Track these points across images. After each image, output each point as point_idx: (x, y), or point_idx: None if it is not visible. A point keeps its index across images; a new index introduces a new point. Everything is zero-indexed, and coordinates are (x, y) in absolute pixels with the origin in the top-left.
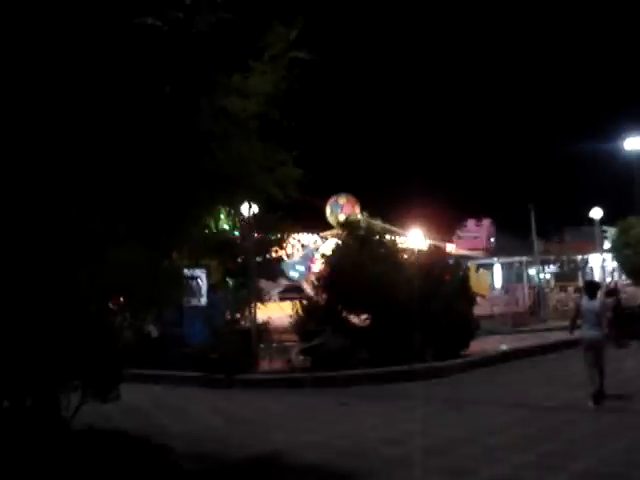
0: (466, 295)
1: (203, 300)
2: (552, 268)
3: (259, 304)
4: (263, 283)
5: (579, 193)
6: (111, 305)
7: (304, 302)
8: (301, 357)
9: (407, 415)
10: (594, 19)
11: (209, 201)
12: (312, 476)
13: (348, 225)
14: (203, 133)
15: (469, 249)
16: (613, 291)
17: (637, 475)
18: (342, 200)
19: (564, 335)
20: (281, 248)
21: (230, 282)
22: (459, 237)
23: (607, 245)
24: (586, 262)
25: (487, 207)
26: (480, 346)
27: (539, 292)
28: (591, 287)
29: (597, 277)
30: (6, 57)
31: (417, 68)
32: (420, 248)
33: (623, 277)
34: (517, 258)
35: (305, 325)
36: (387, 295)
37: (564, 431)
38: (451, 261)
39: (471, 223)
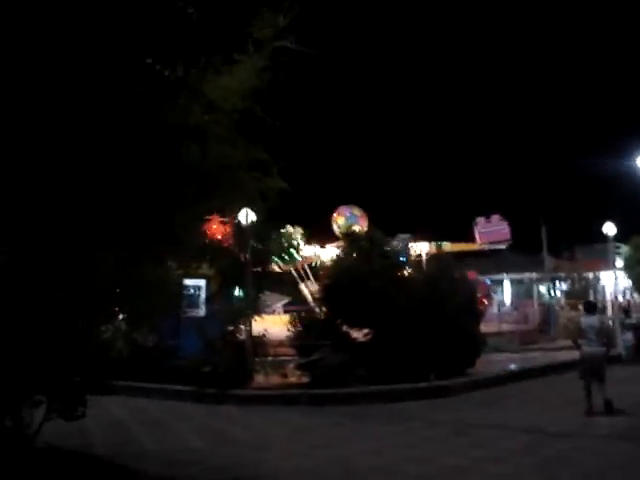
0: (473, 310)
1: (202, 311)
2: (563, 285)
3: (259, 316)
4: (268, 295)
5: (591, 210)
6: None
7: (302, 315)
8: (298, 372)
9: (406, 439)
10: (612, 39)
11: (192, 202)
12: None
13: (351, 237)
14: (176, 127)
15: (493, 242)
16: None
17: None
18: (357, 212)
19: (574, 354)
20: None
21: (227, 293)
22: (481, 231)
23: (619, 262)
24: (598, 280)
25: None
26: (487, 364)
27: (549, 310)
28: (589, 305)
29: (609, 295)
30: None
31: (436, 92)
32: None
33: (635, 295)
34: (527, 274)
35: (303, 339)
36: (389, 309)
37: (574, 460)
38: (457, 274)
39: (495, 218)
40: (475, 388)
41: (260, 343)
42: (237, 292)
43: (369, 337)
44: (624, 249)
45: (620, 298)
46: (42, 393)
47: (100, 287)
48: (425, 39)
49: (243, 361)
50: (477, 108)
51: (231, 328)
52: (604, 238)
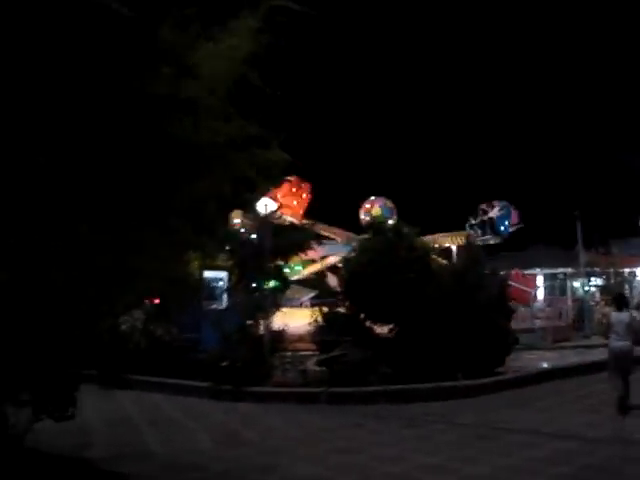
0: (503, 305)
1: (223, 303)
2: (597, 281)
3: (279, 310)
4: (296, 288)
5: (627, 204)
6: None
7: (323, 309)
8: (318, 368)
9: (427, 444)
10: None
11: (184, 181)
12: None
13: (376, 228)
14: (164, 98)
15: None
16: None
17: None
18: (390, 204)
19: None
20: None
21: (249, 285)
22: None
23: None
24: (634, 275)
25: (530, 216)
26: (518, 363)
27: (583, 306)
28: (620, 300)
29: None
30: None
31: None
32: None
33: None
34: (561, 269)
35: (325, 334)
36: (415, 304)
37: (612, 472)
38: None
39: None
40: (505, 388)
41: (279, 338)
42: (263, 284)
43: (393, 333)
44: None
45: None
46: (27, 391)
47: (97, 274)
48: (429, 31)
49: (261, 356)
50: (511, 97)
51: (250, 322)
52: None
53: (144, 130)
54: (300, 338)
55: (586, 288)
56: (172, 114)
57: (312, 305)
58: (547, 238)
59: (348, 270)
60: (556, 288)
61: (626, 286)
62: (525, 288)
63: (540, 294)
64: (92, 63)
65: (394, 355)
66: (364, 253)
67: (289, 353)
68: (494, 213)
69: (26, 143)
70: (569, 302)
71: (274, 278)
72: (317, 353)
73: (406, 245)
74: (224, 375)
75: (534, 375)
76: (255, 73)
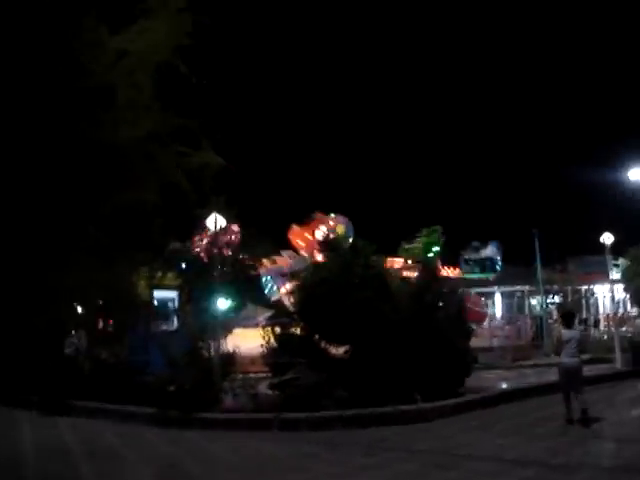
0: (462, 325)
1: (174, 324)
2: (556, 298)
3: (230, 332)
4: (252, 307)
5: (583, 222)
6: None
7: (276, 330)
8: (270, 392)
9: (382, 474)
10: (604, 51)
11: (106, 185)
12: None
13: (329, 245)
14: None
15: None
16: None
17: None
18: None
19: None
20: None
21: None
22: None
23: (614, 275)
24: (592, 293)
25: (491, 231)
26: (477, 383)
27: (542, 323)
28: (568, 318)
29: (601, 308)
30: None
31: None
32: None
33: (633, 308)
34: (519, 287)
35: (278, 356)
36: (371, 324)
37: None
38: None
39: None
40: (464, 410)
41: (230, 360)
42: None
43: (349, 354)
44: (621, 261)
45: (620, 311)
46: None
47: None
48: (406, 53)
49: (210, 380)
50: (466, 115)
51: (200, 344)
52: (597, 250)
53: (58, 132)
54: (252, 360)
55: (544, 306)
56: (90, 110)
57: (266, 325)
58: (505, 256)
59: (301, 289)
60: (514, 306)
61: (583, 303)
62: (476, 308)
63: (498, 312)
64: None
65: (350, 377)
66: (318, 271)
67: (240, 376)
68: (492, 253)
69: None
70: (528, 320)
71: (230, 297)
72: (270, 376)
73: (362, 262)
74: (171, 400)
75: (494, 397)
76: (179, 61)
